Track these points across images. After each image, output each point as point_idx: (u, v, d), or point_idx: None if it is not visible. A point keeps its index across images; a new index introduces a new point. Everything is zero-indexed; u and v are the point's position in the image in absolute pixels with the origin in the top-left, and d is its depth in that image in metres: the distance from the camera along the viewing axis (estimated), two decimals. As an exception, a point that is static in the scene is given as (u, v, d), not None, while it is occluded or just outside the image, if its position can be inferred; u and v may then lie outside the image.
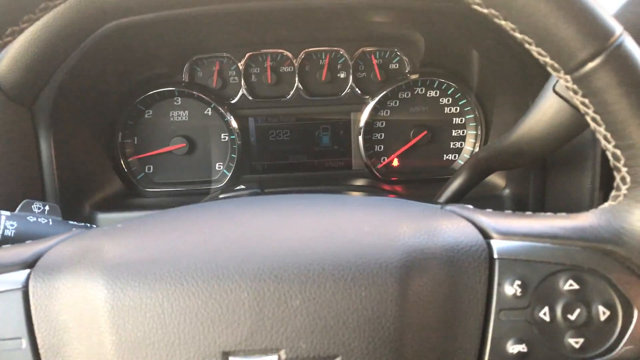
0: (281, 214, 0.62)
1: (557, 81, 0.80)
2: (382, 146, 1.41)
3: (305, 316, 0.50)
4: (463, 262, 0.54)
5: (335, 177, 1.43)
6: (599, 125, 0.53)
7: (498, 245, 0.55)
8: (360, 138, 1.39)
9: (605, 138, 0.54)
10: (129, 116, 1.35)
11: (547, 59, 0.53)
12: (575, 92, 0.53)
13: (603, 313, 0.53)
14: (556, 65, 0.53)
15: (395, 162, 1.42)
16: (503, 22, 0.53)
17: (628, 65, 0.50)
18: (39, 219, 0.79)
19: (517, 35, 0.53)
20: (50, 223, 0.80)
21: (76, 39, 0.98)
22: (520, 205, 1.19)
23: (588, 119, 0.55)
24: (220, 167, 1.40)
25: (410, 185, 1.39)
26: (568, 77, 0.53)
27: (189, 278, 0.51)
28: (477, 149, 1.38)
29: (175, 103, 1.37)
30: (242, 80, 1.37)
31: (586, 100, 0.53)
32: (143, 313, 0.51)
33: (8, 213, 0.77)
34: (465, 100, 1.38)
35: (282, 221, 0.59)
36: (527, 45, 0.53)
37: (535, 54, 0.54)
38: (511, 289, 0.53)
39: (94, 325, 0.51)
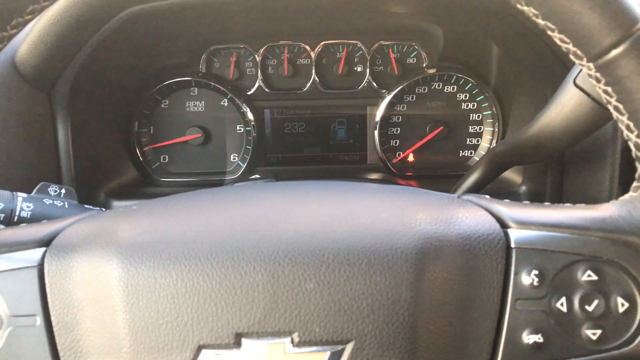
0: (297, 199, 0.61)
1: (577, 74, 0.79)
2: (398, 141, 1.41)
3: (319, 300, 0.50)
4: (479, 251, 0.53)
5: (350, 171, 1.43)
6: (622, 114, 0.53)
7: (515, 234, 0.54)
8: (376, 132, 1.38)
9: (628, 127, 0.53)
10: (146, 105, 1.35)
11: (570, 46, 0.52)
12: (598, 81, 0.52)
13: (622, 305, 0.52)
14: (579, 52, 0.52)
15: (411, 157, 1.41)
16: (526, 8, 0.52)
17: None
18: (55, 202, 0.80)
19: (540, 21, 0.52)
20: (66, 206, 0.81)
21: (95, 25, 0.98)
22: (537, 201, 1.17)
23: (610, 108, 0.54)
24: (235, 159, 1.40)
25: (426, 181, 1.39)
26: (591, 65, 0.52)
27: (203, 259, 0.51)
28: (493, 146, 1.37)
29: (191, 93, 1.38)
30: (259, 71, 1.37)
31: (609, 89, 0.52)
32: (157, 292, 0.51)
33: (25, 195, 0.78)
34: (482, 96, 1.37)
35: (298, 205, 0.59)
36: (549, 32, 0.53)
37: (557, 41, 0.53)
38: (528, 278, 0.52)
39: (107, 304, 0.51)
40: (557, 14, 0.50)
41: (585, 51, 0.51)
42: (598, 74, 0.52)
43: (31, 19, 0.53)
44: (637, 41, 0.49)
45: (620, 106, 0.52)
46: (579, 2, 0.49)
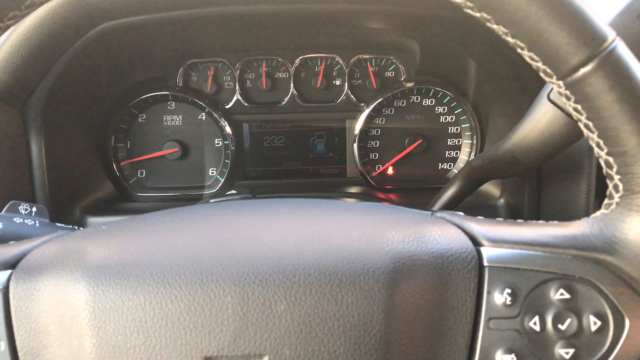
0: (268, 218, 0.61)
1: (551, 89, 0.79)
2: (377, 154, 1.41)
3: (290, 322, 0.49)
4: (452, 269, 0.53)
5: (330, 185, 1.42)
6: (592, 132, 0.53)
7: (488, 252, 0.54)
8: (355, 146, 1.38)
9: (598, 145, 0.53)
10: (122, 120, 1.34)
11: (540, 64, 0.52)
12: (568, 98, 0.53)
13: (594, 323, 0.52)
14: (548, 70, 0.52)
15: (390, 171, 1.41)
16: (495, 27, 0.52)
17: (621, 71, 0.49)
18: (26, 221, 0.78)
19: (509, 39, 0.52)
20: (37, 225, 0.79)
21: (68, 40, 0.97)
22: (515, 214, 1.18)
23: (581, 125, 0.54)
24: (213, 173, 1.39)
25: (405, 194, 1.39)
26: (560, 83, 0.52)
27: (171, 281, 0.50)
28: (472, 158, 1.37)
29: (169, 107, 1.37)
30: (237, 85, 1.37)
31: (579, 107, 0.52)
32: (124, 316, 0.50)
33: (-6, 214, 0.76)
34: (460, 109, 1.37)
35: (268, 225, 0.58)
36: (519, 50, 0.53)
37: (527, 59, 0.53)
38: (501, 297, 0.52)
39: (74, 328, 0.50)
40: (525, 32, 0.50)
41: (555, 69, 0.51)
42: (568, 92, 0.52)
43: (12, 24, 0.52)
44: (606, 59, 0.49)
45: (590, 124, 0.52)
46: (547, 21, 0.49)
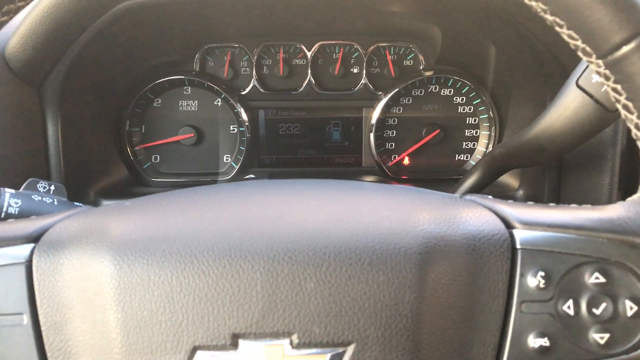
0: (296, 196, 0.60)
1: (580, 75, 0.78)
2: (394, 144, 1.40)
3: (320, 300, 0.48)
4: (484, 252, 0.51)
5: (345, 174, 1.41)
6: (631, 113, 0.51)
7: (521, 235, 0.53)
8: (372, 135, 1.37)
9: (637, 126, 0.52)
10: (137, 104, 1.33)
11: (579, 43, 0.51)
12: (607, 78, 0.51)
13: (630, 308, 0.50)
14: (588, 49, 0.51)
15: (406, 161, 1.40)
16: (534, 3, 0.51)
17: None
18: (44, 198, 0.77)
19: (548, 17, 0.51)
20: (55, 203, 0.78)
21: (87, 19, 0.95)
22: (535, 206, 1.17)
23: (619, 106, 0.52)
24: (228, 159, 1.38)
25: (421, 184, 1.37)
26: (600, 62, 0.51)
27: (199, 256, 0.49)
28: (489, 150, 1.36)
29: (184, 92, 1.36)
30: (254, 71, 1.36)
31: (618, 87, 0.51)
32: (150, 291, 0.49)
33: (12, 191, 0.75)
34: (479, 100, 1.36)
35: (297, 203, 0.57)
36: (557, 28, 0.51)
37: (565, 37, 0.52)
38: (534, 280, 0.51)
39: (98, 302, 0.49)
40: (566, 9, 0.49)
41: (595, 48, 0.50)
42: (607, 72, 0.51)
43: (24, 6, 0.51)
44: None
45: (630, 104, 0.51)
46: None
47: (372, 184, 0.67)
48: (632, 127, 0.52)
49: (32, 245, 0.53)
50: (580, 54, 0.52)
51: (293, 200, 0.58)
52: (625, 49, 0.48)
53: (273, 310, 0.48)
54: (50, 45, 0.94)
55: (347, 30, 1.33)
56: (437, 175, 1.39)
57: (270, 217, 0.53)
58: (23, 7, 0.51)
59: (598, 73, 0.52)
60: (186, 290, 0.48)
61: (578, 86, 0.78)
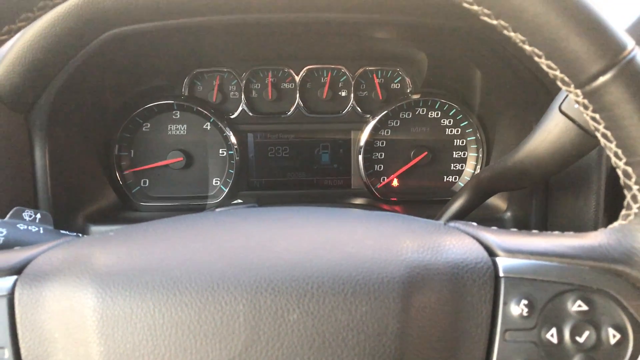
0: (279, 225, 0.60)
1: (563, 100, 0.79)
2: (382, 166, 1.40)
3: (303, 331, 0.48)
4: (467, 280, 0.52)
5: (334, 196, 1.41)
6: (610, 141, 0.52)
7: (504, 263, 0.53)
8: (360, 157, 1.38)
9: (616, 155, 0.52)
10: (126, 129, 1.33)
11: (557, 73, 0.51)
12: (586, 107, 0.52)
13: (613, 336, 0.50)
14: (566, 79, 0.51)
15: (395, 182, 1.41)
16: (512, 34, 0.52)
17: None
18: (30, 227, 0.77)
19: (527, 47, 0.52)
20: (41, 232, 0.78)
21: (75, 46, 0.96)
22: (522, 228, 1.16)
23: (598, 135, 0.53)
24: (217, 183, 1.38)
25: (410, 206, 1.38)
26: (578, 92, 0.51)
27: (182, 288, 0.49)
28: (478, 172, 1.37)
29: (173, 117, 1.36)
30: (243, 95, 1.36)
31: (597, 116, 0.51)
32: (133, 323, 0.48)
33: (-2, 220, 0.75)
34: (466, 122, 1.37)
35: (281, 232, 0.57)
36: (536, 58, 0.52)
37: (544, 67, 0.52)
38: (517, 308, 0.51)
39: (81, 335, 0.49)
40: (544, 40, 0.50)
41: (573, 78, 0.50)
42: (586, 101, 0.51)
43: (24, 26, 0.51)
44: (625, 68, 0.48)
45: (608, 133, 0.51)
46: (567, 29, 0.48)
47: (356, 211, 0.67)
48: (611, 155, 0.53)
49: (14, 277, 0.52)
50: (559, 83, 0.53)
51: (276, 229, 0.58)
52: (602, 79, 0.49)
53: (256, 342, 0.48)
54: (37, 73, 0.94)
55: (334, 54, 1.35)
56: (426, 196, 1.39)
57: (253, 248, 0.53)
58: (24, 27, 0.52)
59: (577, 102, 0.52)
60: (169, 323, 0.48)
61: (561, 111, 0.78)
